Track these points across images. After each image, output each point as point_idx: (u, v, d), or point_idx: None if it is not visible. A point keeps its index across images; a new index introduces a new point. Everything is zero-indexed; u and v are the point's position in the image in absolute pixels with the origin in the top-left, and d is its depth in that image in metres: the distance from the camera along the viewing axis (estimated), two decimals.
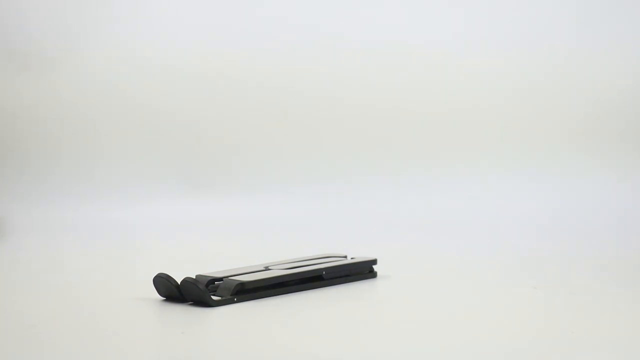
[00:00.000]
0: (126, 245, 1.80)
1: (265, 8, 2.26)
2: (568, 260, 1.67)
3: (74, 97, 2.18)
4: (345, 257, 1.46)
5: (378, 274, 1.46)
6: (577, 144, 2.25)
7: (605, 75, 2.27)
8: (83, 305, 1.26)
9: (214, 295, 1.24)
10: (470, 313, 1.22)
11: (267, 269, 1.34)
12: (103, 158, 2.15)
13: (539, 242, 1.89)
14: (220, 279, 1.26)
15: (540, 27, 2.30)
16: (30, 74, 2.12)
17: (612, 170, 2.19)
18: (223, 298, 1.23)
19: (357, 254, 1.50)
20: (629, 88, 2.26)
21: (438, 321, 1.17)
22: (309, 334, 1.10)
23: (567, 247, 1.83)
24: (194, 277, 1.26)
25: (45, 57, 2.15)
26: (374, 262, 1.46)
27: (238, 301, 1.24)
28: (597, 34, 2.28)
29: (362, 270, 1.45)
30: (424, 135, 2.24)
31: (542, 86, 2.28)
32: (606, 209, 2.08)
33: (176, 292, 1.23)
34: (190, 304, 1.22)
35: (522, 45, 2.29)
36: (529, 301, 1.30)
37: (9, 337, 1.08)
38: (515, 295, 1.34)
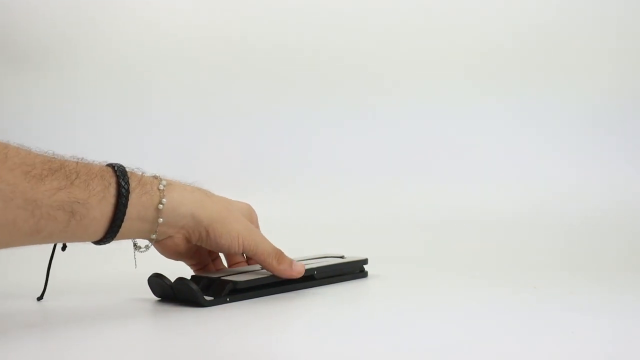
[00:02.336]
0: (122, 246, 1.82)
1: None
2: (570, 256, 1.69)
3: (73, 99, 2.20)
4: (342, 256, 1.49)
5: (369, 273, 1.49)
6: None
7: None
8: (78, 304, 1.28)
9: (206, 295, 1.26)
10: (467, 312, 1.24)
11: (261, 268, 1.36)
12: (104, 157, 2.15)
13: (542, 235, 1.91)
14: (214, 279, 1.29)
15: None
16: (26, 76, 2.14)
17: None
18: (216, 298, 1.25)
19: (348, 253, 1.52)
20: None
21: (435, 320, 1.19)
22: (302, 333, 1.13)
23: (571, 242, 1.85)
24: (189, 277, 1.29)
25: (38, 61, 2.18)
26: (365, 261, 1.49)
27: (231, 301, 1.26)
28: None
29: (354, 270, 1.47)
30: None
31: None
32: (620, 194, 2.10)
33: (170, 292, 1.25)
34: (183, 304, 1.25)
35: None
36: (529, 301, 1.32)
37: (8, 337, 1.10)
38: (514, 295, 1.36)
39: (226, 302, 1.26)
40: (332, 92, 2.29)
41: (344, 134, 2.24)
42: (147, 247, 1.26)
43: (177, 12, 2.28)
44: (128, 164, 1.21)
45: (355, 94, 2.29)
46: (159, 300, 1.27)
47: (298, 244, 1.79)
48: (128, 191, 1.14)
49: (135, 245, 1.26)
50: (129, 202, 1.14)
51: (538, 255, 1.72)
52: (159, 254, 1.29)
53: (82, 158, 1.15)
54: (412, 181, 2.18)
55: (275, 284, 1.33)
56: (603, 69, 2.28)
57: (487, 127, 2.27)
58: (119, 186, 1.13)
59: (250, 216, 1.36)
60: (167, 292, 1.26)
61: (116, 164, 1.18)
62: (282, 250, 1.32)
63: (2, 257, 1.68)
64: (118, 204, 1.13)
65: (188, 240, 1.26)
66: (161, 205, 1.18)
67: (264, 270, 1.35)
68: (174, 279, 1.26)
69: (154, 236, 1.21)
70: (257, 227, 1.38)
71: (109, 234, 1.15)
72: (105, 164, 1.18)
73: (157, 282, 1.26)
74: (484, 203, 2.10)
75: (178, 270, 1.32)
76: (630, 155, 2.21)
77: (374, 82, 2.31)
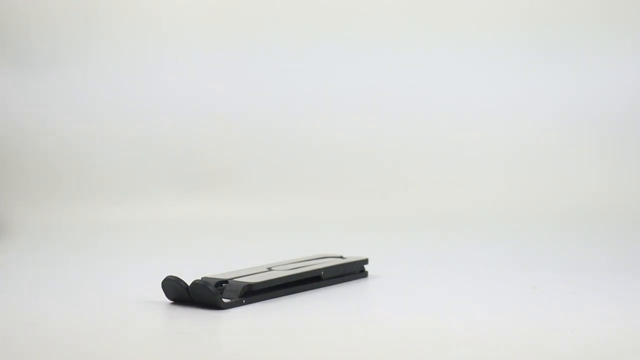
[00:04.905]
0: (122, 246, 1.81)
1: None
2: (570, 256, 1.70)
3: (75, 100, 2.18)
4: (342, 257, 1.49)
5: (369, 273, 1.50)
6: None
7: None
8: (85, 306, 1.27)
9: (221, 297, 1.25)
10: (467, 311, 1.26)
11: (270, 269, 1.36)
12: (106, 158, 2.14)
13: (542, 234, 1.92)
14: (227, 280, 1.28)
15: None
16: (27, 77, 2.12)
17: None
18: (232, 300, 1.25)
19: (347, 253, 1.53)
20: None
21: (434, 320, 1.21)
22: (322, 336, 1.13)
23: (571, 241, 1.86)
24: (200, 279, 1.28)
25: (40, 62, 2.15)
26: (366, 261, 1.50)
27: (246, 303, 1.26)
28: None
29: (355, 270, 1.48)
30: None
31: None
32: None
33: (186, 294, 1.24)
34: (199, 307, 1.24)
35: None
36: (528, 301, 1.33)
37: (9, 336, 1.09)
38: (513, 295, 1.37)
39: (242, 304, 1.25)
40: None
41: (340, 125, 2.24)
42: None
43: None
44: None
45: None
46: (172, 303, 1.26)
47: (294, 244, 1.81)
48: None
49: None
50: None
51: (538, 254, 1.74)
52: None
53: None
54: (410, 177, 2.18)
55: (286, 284, 1.33)
56: None
57: (493, 119, 2.25)
58: None
59: None
60: (182, 294, 1.25)
61: None
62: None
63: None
64: None
65: None
66: None
67: (275, 271, 1.35)
68: (189, 282, 1.25)
69: None
70: None
71: None
72: None
73: (172, 285, 1.25)
74: (484, 201, 2.12)
75: (181, 272, 1.31)
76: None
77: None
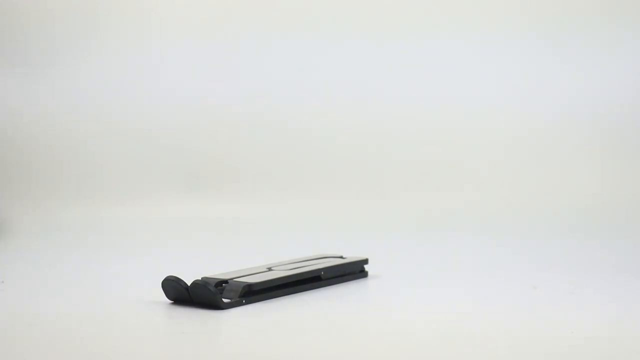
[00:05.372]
0: (121, 246, 1.81)
1: None
2: (570, 256, 1.70)
3: (75, 99, 2.18)
4: (341, 257, 1.49)
5: (369, 273, 1.50)
6: None
7: None
8: (85, 306, 1.27)
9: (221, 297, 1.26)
10: (466, 311, 1.26)
11: (270, 269, 1.36)
12: (105, 158, 2.14)
13: (541, 234, 1.92)
14: (227, 280, 1.29)
15: None
16: (27, 76, 2.12)
17: None
18: (232, 300, 1.25)
19: (347, 253, 1.53)
20: None
21: (433, 321, 1.21)
22: (322, 336, 1.13)
23: (571, 241, 1.86)
24: (200, 279, 1.28)
25: (39, 61, 2.16)
26: (366, 261, 1.50)
27: (246, 303, 1.26)
28: None
29: (355, 270, 1.48)
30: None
31: None
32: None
33: (186, 294, 1.25)
34: (199, 307, 1.24)
35: None
36: (528, 301, 1.33)
37: (9, 336, 1.09)
38: (513, 295, 1.37)
39: (242, 304, 1.25)
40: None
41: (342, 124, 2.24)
42: None
43: None
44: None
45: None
46: (172, 303, 1.26)
47: (294, 244, 1.81)
48: None
49: None
50: None
51: (538, 254, 1.74)
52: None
53: None
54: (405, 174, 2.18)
55: (286, 284, 1.33)
56: None
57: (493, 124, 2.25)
58: None
59: None
60: (182, 295, 1.25)
61: None
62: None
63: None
64: None
65: None
66: None
67: (275, 272, 1.35)
68: (189, 282, 1.25)
69: None
70: None
71: None
72: None
73: (172, 285, 1.26)
74: (484, 201, 2.11)
75: (181, 272, 1.31)
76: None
77: None
